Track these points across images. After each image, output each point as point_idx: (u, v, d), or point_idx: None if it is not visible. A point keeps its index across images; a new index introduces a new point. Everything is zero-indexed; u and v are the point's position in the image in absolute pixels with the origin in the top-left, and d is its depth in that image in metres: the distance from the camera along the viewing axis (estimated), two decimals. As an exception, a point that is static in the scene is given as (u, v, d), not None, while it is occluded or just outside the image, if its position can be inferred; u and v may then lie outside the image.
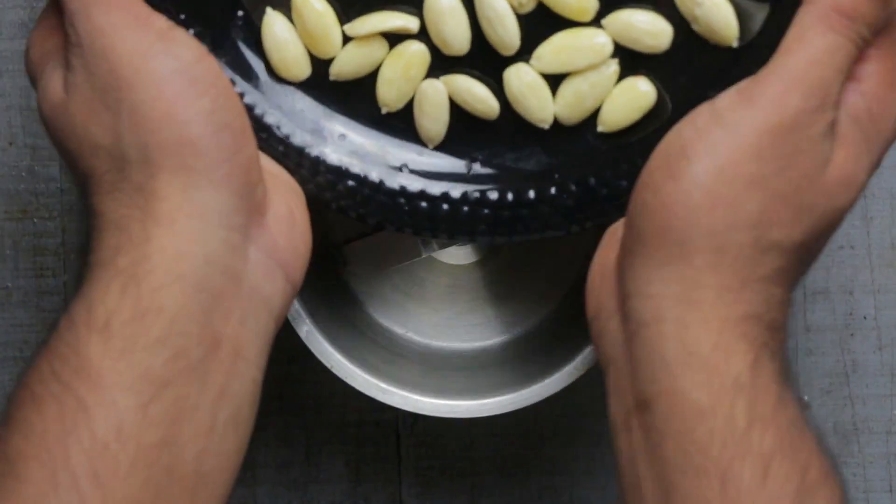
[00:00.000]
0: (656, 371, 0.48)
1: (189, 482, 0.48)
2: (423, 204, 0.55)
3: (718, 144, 0.48)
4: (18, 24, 0.72)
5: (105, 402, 0.46)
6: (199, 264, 0.48)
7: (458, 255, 0.69)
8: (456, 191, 0.55)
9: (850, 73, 0.49)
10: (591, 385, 0.73)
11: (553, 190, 0.54)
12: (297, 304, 0.61)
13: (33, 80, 0.52)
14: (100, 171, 0.49)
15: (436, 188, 0.55)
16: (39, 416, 0.46)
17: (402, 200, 0.55)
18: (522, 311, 0.68)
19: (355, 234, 0.66)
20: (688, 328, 0.48)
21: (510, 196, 0.55)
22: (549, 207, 0.55)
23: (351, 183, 0.55)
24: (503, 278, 0.69)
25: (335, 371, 0.62)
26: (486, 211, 0.55)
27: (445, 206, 0.55)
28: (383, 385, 0.62)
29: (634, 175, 0.51)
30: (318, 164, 0.54)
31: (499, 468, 0.73)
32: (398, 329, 0.68)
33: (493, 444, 0.73)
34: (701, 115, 0.49)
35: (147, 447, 0.47)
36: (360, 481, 0.73)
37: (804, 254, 0.50)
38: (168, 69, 0.49)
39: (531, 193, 0.55)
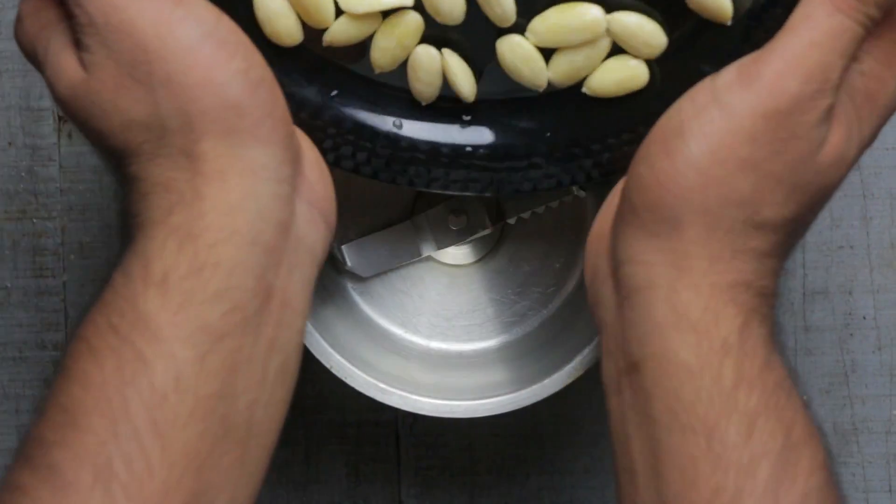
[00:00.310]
0: (647, 334, 0.49)
1: (241, 432, 0.49)
2: (419, 155, 0.55)
3: (714, 125, 0.49)
4: (18, 24, 0.72)
5: (164, 353, 0.47)
6: (252, 218, 0.49)
7: (458, 256, 0.69)
8: (448, 144, 0.55)
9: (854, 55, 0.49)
10: (591, 385, 0.73)
11: (544, 146, 0.55)
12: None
13: (30, 55, 0.52)
14: (135, 143, 0.49)
15: (429, 140, 0.55)
16: (98, 368, 0.47)
17: (396, 152, 0.55)
18: (522, 311, 0.68)
19: (354, 235, 0.66)
20: (678, 293, 0.49)
21: (502, 150, 0.55)
22: (543, 161, 0.55)
23: (349, 136, 0.55)
24: (503, 278, 0.69)
25: (335, 371, 0.62)
26: (478, 163, 0.55)
27: (440, 158, 0.55)
28: (383, 385, 0.62)
29: (625, 133, 0.52)
30: (315, 114, 0.55)
31: (498, 468, 0.73)
32: (398, 329, 0.68)
33: (493, 444, 0.73)
34: (700, 93, 0.50)
35: (204, 398, 0.47)
36: (360, 481, 0.73)
37: (796, 227, 0.50)
38: (195, 35, 0.49)
39: (523, 148, 0.55)
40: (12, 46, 0.73)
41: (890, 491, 0.73)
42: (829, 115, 0.49)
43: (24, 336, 0.73)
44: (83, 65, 0.49)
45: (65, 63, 0.50)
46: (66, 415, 0.47)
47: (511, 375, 0.65)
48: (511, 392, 0.62)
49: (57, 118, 0.72)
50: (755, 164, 0.48)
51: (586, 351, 0.62)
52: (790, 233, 0.50)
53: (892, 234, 0.73)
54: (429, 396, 0.63)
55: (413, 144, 0.56)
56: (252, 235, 0.49)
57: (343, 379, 0.62)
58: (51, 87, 0.51)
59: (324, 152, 0.55)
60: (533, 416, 0.72)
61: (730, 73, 0.49)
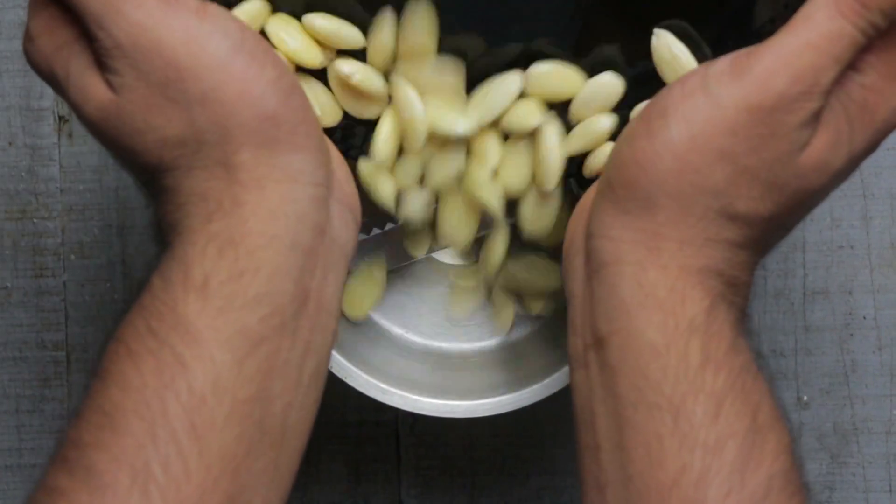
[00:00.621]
0: (613, 309, 0.49)
1: (276, 435, 0.49)
2: None
3: (698, 112, 0.48)
4: (18, 23, 0.72)
5: (202, 357, 0.47)
6: (291, 223, 0.49)
7: (458, 256, 0.69)
8: None
9: (851, 62, 0.49)
10: (591, 385, 0.73)
11: None
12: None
13: (47, 76, 0.51)
14: (170, 158, 0.49)
15: None
16: (136, 371, 0.47)
17: None
18: (522, 311, 0.68)
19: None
20: (646, 271, 0.49)
21: None
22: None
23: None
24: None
25: (335, 371, 0.62)
26: None
27: None
28: (383, 385, 0.62)
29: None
30: None
31: (498, 468, 0.73)
32: (398, 329, 0.68)
33: (493, 444, 0.73)
34: (691, 78, 0.49)
35: (241, 401, 0.47)
36: (360, 481, 0.73)
37: (775, 225, 0.50)
38: (225, 49, 0.48)
39: None
40: (12, 46, 0.73)
41: (890, 491, 0.73)
42: (815, 118, 0.48)
43: (24, 336, 0.73)
44: (111, 86, 0.49)
45: (91, 85, 0.49)
46: (105, 417, 0.47)
47: (511, 375, 0.65)
48: (511, 392, 0.62)
49: (57, 118, 0.72)
50: (733, 156, 0.48)
51: (586, 351, 0.62)
52: (766, 229, 0.50)
53: (893, 234, 0.73)
54: (429, 396, 0.63)
55: None
56: (291, 239, 0.49)
57: (343, 379, 0.62)
58: (76, 109, 0.50)
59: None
60: (533, 416, 0.72)
61: (723, 62, 0.49)
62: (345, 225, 0.52)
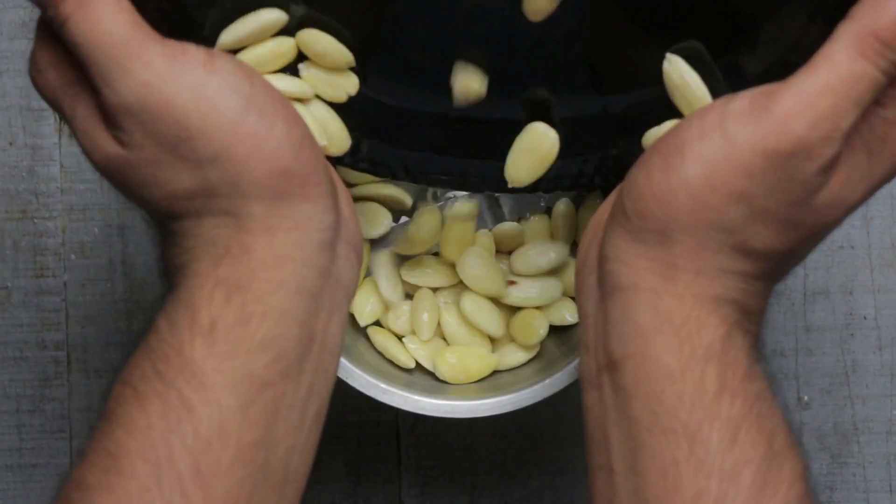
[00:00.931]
0: (628, 333, 0.49)
1: (279, 478, 0.49)
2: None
3: (714, 152, 0.48)
4: (18, 23, 0.72)
5: (209, 401, 0.47)
6: (298, 268, 0.49)
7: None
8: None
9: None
10: (592, 385, 0.72)
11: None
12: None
13: (53, 104, 0.50)
14: (179, 208, 0.49)
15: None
16: (143, 413, 0.47)
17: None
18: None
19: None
20: (661, 298, 0.49)
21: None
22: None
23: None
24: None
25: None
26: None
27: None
28: (383, 385, 0.62)
29: (634, 136, 0.53)
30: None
31: (499, 468, 0.73)
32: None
33: (493, 445, 0.73)
34: (710, 114, 0.49)
35: (246, 445, 0.47)
36: (361, 481, 0.73)
37: (789, 257, 0.50)
38: (235, 107, 0.48)
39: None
40: (13, 46, 0.73)
41: (890, 491, 0.73)
42: (831, 164, 0.47)
43: (24, 336, 0.73)
44: (119, 141, 0.48)
45: (97, 135, 0.49)
46: (110, 459, 0.47)
47: (511, 375, 0.65)
48: (511, 392, 0.62)
49: (58, 118, 0.72)
50: (748, 198, 0.48)
51: (587, 351, 0.62)
52: (781, 261, 0.50)
53: (893, 234, 0.73)
54: (429, 396, 0.63)
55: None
56: (297, 284, 0.49)
57: (344, 379, 0.62)
58: (83, 151, 0.50)
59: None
60: (533, 416, 0.72)
61: (742, 100, 0.48)
62: (349, 265, 0.52)
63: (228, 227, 0.49)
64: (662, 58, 0.52)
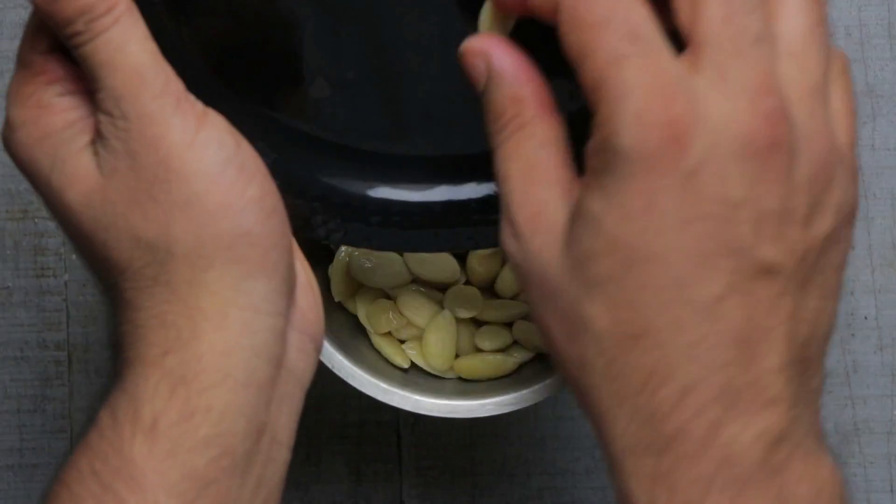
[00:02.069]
0: None
1: None
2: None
3: None
4: (19, 23, 0.72)
5: (147, 503, 0.46)
6: (247, 357, 0.48)
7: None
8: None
9: None
10: (592, 385, 0.72)
11: None
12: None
13: (25, 163, 0.49)
14: (137, 265, 0.48)
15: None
16: None
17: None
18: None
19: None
20: None
21: None
22: None
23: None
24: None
25: (336, 371, 0.62)
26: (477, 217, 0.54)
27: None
28: (384, 385, 0.62)
29: None
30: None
31: (499, 468, 0.73)
32: (399, 329, 0.68)
33: (494, 445, 0.73)
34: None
35: None
36: (361, 481, 0.73)
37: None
38: (218, 159, 0.48)
39: None
40: (13, 46, 0.73)
41: (891, 491, 0.73)
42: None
43: (25, 336, 0.73)
44: (101, 166, 0.48)
45: (79, 168, 0.48)
46: None
47: (511, 376, 0.65)
48: (511, 392, 0.62)
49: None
50: None
51: (587, 351, 0.62)
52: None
53: (894, 234, 0.73)
54: (430, 396, 0.63)
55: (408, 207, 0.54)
56: (246, 376, 0.48)
57: (344, 379, 0.62)
58: (57, 195, 0.49)
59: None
60: (534, 416, 0.72)
61: None
62: (303, 355, 0.51)
63: (182, 303, 0.48)
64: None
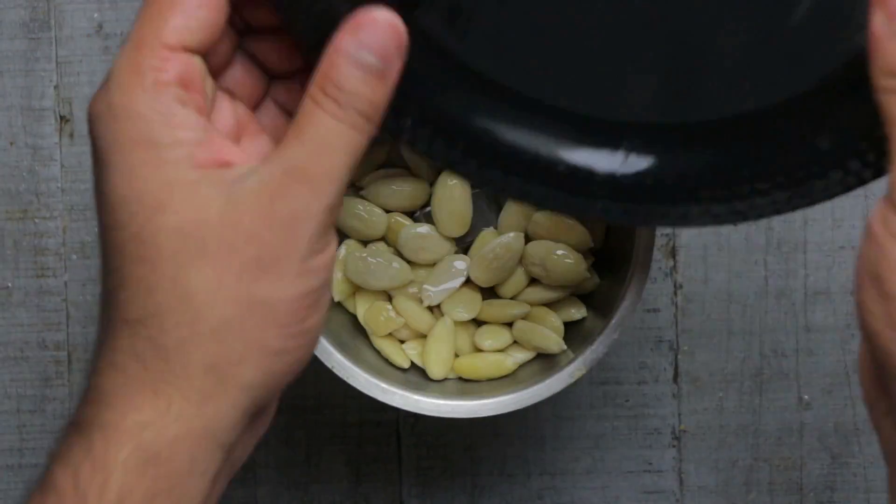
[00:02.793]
0: None
1: None
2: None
3: None
4: (19, 23, 0.72)
5: None
6: (212, 448, 0.47)
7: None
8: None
9: None
10: (592, 386, 0.73)
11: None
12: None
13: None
14: (151, 308, 0.46)
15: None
16: None
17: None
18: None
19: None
20: None
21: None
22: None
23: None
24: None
25: (336, 371, 0.62)
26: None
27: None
28: (384, 385, 0.62)
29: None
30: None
31: (499, 468, 0.73)
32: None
33: (494, 445, 0.73)
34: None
35: None
36: (361, 481, 0.73)
37: None
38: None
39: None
40: (13, 46, 0.73)
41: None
42: None
43: (25, 336, 0.73)
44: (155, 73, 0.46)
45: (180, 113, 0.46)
46: None
47: (511, 376, 0.65)
48: (511, 392, 0.62)
49: (58, 118, 0.72)
50: None
51: (587, 351, 0.61)
52: None
53: (894, 234, 0.73)
54: (430, 396, 0.63)
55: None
56: (204, 466, 0.46)
57: (345, 379, 0.62)
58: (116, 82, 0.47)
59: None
60: (534, 416, 0.72)
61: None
62: (251, 441, 0.50)
63: (142, 382, 0.46)
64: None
